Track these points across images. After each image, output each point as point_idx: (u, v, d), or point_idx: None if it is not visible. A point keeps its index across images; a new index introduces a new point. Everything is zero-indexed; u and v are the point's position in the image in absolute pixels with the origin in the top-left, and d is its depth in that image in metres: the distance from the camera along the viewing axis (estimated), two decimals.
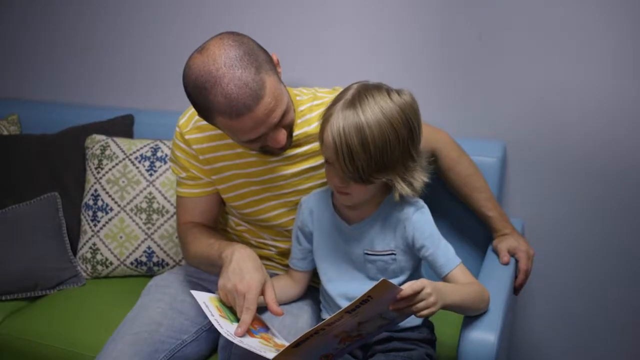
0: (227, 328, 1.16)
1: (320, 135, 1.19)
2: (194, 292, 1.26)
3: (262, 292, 1.22)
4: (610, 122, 1.64)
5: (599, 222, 1.71)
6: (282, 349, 1.07)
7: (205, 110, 1.20)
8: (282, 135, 1.27)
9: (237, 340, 1.13)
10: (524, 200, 1.76)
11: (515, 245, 1.48)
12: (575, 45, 1.62)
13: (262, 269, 1.25)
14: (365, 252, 1.28)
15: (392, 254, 1.27)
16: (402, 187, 1.18)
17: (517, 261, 1.47)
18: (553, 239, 1.76)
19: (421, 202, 1.27)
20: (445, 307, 1.14)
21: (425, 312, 1.08)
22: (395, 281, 1.26)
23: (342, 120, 1.12)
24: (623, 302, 1.74)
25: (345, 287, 1.30)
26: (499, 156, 1.64)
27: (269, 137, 1.26)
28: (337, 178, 1.18)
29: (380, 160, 1.13)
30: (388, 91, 1.17)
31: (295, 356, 1.09)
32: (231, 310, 1.25)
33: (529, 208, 1.76)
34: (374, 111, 1.12)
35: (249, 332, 1.17)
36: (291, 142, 1.35)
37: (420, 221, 1.25)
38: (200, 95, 1.18)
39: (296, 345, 1.06)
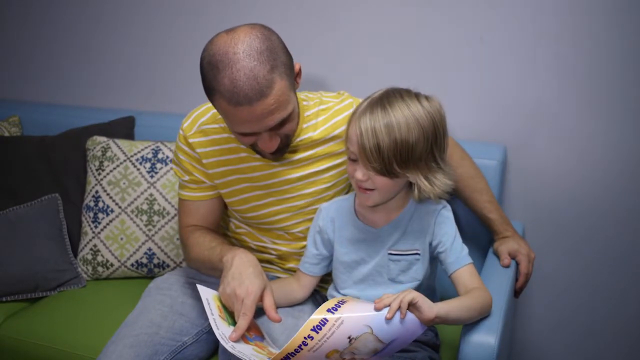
0: (222, 330, 1.16)
1: (347, 132, 1.22)
2: (200, 287, 1.25)
3: (261, 298, 1.22)
4: (612, 124, 1.64)
5: (599, 225, 1.71)
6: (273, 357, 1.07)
7: (209, 87, 1.21)
8: (274, 142, 1.27)
9: (228, 346, 1.12)
10: (524, 203, 1.76)
11: (516, 248, 1.48)
12: (576, 48, 1.62)
13: (262, 275, 1.24)
14: (389, 252, 1.29)
15: (417, 253, 1.29)
16: (424, 185, 1.20)
17: (517, 264, 1.47)
18: (553, 242, 1.76)
19: (444, 202, 1.29)
20: (441, 319, 1.11)
21: (416, 299, 1.06)
22: (410, 286, 1.29)
23: (369, 116, 1.16)
24: (623, 305, 1.74)
25: (360, 293, 1.31)
26: (499, 159, 1.64)
27: (261, 138, 1.26)
28: (361, 173, 1.19)
29: (405, 153, 1.16)
30: (417, 95, 1.20)
31: None
32: (231, 312, 1.24)
33: (529, 211, 1.76)
34: (402, 110, 1.16)
35: (243, 338, 1.17)
36: (284, 153, 1.34)
37: (442, 220, 1.28)
38: (211, 72, 1.18)
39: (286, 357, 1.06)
